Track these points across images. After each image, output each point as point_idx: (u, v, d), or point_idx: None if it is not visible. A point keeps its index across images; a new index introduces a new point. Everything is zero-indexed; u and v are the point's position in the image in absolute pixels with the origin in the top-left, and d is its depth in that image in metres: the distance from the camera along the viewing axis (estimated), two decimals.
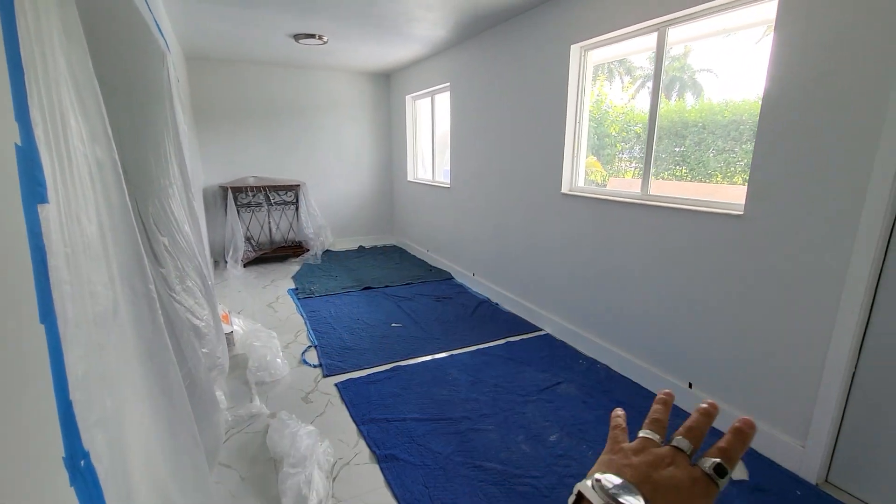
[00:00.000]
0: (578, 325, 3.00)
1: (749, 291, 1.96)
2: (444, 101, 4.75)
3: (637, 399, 2.38)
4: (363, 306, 3.80)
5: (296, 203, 5.44)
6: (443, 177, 5.02)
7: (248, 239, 5.21)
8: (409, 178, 5.60)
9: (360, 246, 6.13)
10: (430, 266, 5.06)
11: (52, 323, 0.63)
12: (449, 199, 4.62)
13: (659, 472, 0.37)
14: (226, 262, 4.83)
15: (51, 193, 0.69)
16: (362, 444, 2.04)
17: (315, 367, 2.76)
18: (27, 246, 0.62)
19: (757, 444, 1.96)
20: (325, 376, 2.64)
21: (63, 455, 0.64)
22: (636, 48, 2.78)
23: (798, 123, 1.74)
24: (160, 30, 2.16)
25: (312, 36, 3.78)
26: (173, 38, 3.65)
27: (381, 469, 1.87)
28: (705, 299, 2.16)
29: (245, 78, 5.07)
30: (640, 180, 2.62)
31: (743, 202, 1.98)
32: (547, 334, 3.23)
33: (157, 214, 1.88)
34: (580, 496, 0.37)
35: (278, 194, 5.33)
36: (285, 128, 5.39)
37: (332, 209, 5.87)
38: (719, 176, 2.65)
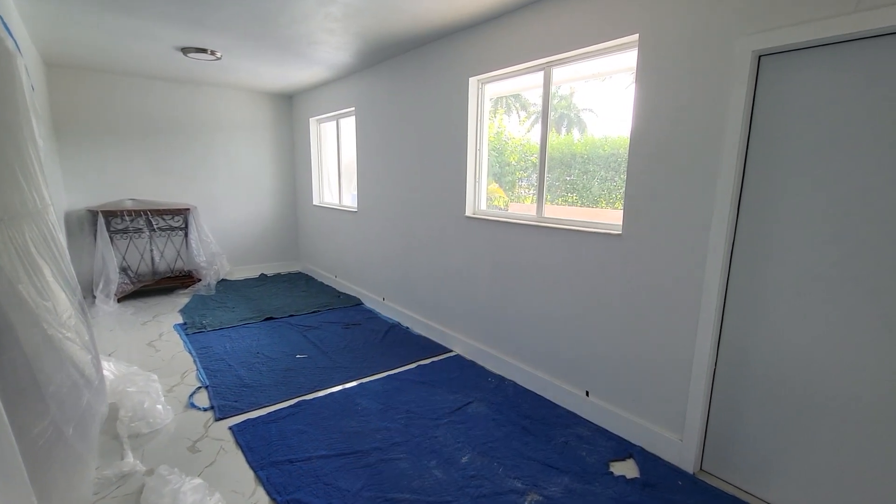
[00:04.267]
0: (486, 344, 3.09)
1: (630, 301, 2.19)
2: (349, 124, 4.71)
3: (542, 411, 2.49)
4: (264, 338, 3.53)
5: (185, 228, 4.94)
6: (350, 201, 4.93)
7: (123, 269, 4.58)
8: (314, 202, 5.41)
9: (262, 274, 5.72)
10: (339, 292, 4.88)
11: None
12: (356, 224, 4.54)
13: None
14: (94, 297, 4.19)
15: None
16: (261, 491, 1.85)
17: (205, 409, 2.47)
18: None
19: (645, 441, 2.16)
20: (218, 419, 2.37)
21: None
22: (529, 84, 3.04)
23: (658, 155, 2.02)
24: (6, 27, 1.86)
25: (204, 51, 3.54)
26: (27, 39, 3.17)
27: None
28: (594, 311, 2.36)
29: (120, 90, 4.55)
30: (536, 205, 2.83)
31: (621, 223, 2.22)
32: (457, 355, 3.27)
33: (36, 240, 1.58)
34: None
35: (163, 219, 4.80)
36: (172, 147, 4.91)
37: (229, 235, 5.43)
38: (603, 202, 2.97)
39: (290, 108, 5.67)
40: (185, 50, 3.53)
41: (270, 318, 4.00)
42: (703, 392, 1.94)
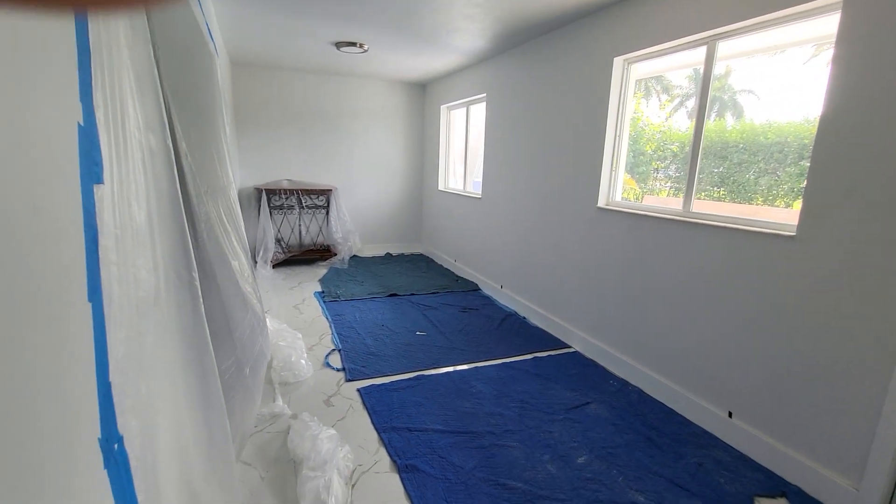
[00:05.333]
0: (609, 345, 2.89)
1: (800, 317, 1.85)
2: (478, 111, 4.75)
3: (671, 425, 2.26)
4: (388, 313, 3.79)
5: (327, 207, 5.53)
6: (474, 187, 5.01)
7: (278, 240, 5.30)
8: (439, 188, 5.61)
9: (388, 253, 6.15)
10: (457, 276, 5.02)
11: (98, 302, 0.62)
12: (479, 210, 4.59)
13: None
14: (255, 262, 4.93)
15: (106, 175, 0.70)
16: (383, 451, 2.00)
17: (338, 370, 2.75)
18: (81, 224, 0.62)
19: (804, 482, 1.82)
20: (348, 381, 2.62)
21: (99, 437, 0.63)
22: (678, 63, 2.71)
23: (860, 144, 1.63)
24: (210, 34, 2.24)
25: (354, 44, 3.86)
26: (221, 43, 3.79)
27: (402, 479, 1.82)
28: (750, 323, 2.04)
29: (284, 84, 5.21)
30: (675, 199, 2.53)
31: (793, 223, 1.87)
32: (576, 352, 3.13)
33: (225, 210, 1.92)
34: None
35: (310, 198, 5.43)
36: (320, 133, 5.51)
37: (361, 215, 5.93)
38: (760, 199, 2.54)
39: (423, 95, 5.92)
40: (339, 44, 3.89)
41: (394, 295, 4.28)
42: None
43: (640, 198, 3.43)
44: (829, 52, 1.77)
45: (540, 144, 3.54)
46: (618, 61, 2.76)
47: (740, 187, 2.65)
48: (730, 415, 2.13)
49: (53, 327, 0.54)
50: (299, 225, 5.47)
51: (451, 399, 2.44)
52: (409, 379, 2.65)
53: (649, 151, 3.49)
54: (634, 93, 2.91)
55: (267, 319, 3.11)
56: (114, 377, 0.67)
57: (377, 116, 5.77)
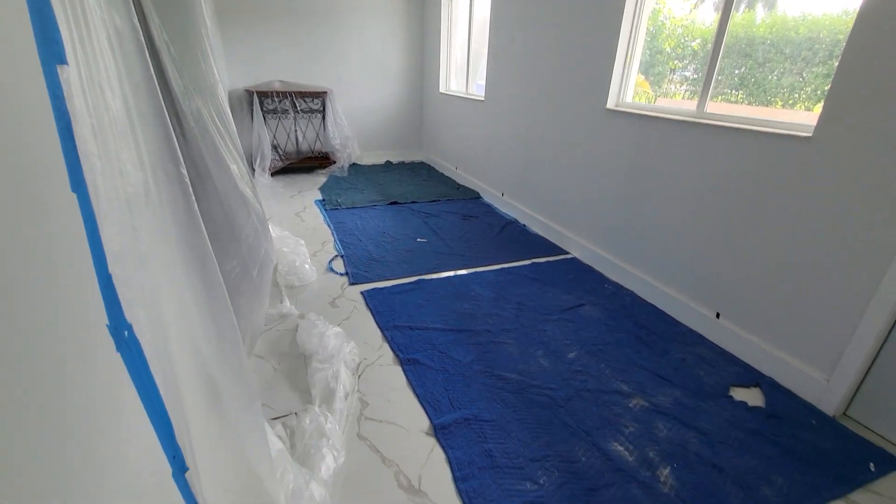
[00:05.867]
0: (607, 251, 2.94)
1: (804, 221, 1.84)
2: (483, 3, 4.31)
3: (661, 325, 2.37)
4: (389, 220, 3.81)
5: (322, 111, 5.28)
6: (476, 90, 4.72)
7: (274, 147, 5.15)
8: (440, 90, 5.29)
9: (388, 161, 6.01)
10: (458, 184, 4.96)
11: (83, 193, 0.61)
12: (482, 114, 4.38)
13: None
14: (253, 169, 4.84)
15: (69, 56, 0.64)
16: (386, 347, 2.13)
17: (341, 275, 2.84)
18: (50, 110, 0.58)
19: (778, 374, 1.96)
20: (351, 284, 2.71)
21: (107, 323, 0.65)
22: None
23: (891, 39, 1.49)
24: None
25: None
26: None
27: (404, 371, 1.97)
28: (752, 226, 2.04)
29: None
30: (689, 102, 2.38)
31: (809, 123, 1.78)
32: (574, 258, 3.19)
33: (218, 112, 1.83)
34: None
35: (305, 101, 5.16)
36: (313, 30, 5.06)
37: (359, 120, 5.68)
38: (780, 102, 2.39)
39: None
40: None
41: (395, 203, 4.26)
42: (876, 334, 1.64)
43: (652, 101, 3.23)
44: None
45: (548, 41, 3.25)
46: None
47: (760, 89, 2.48)
48: (717, 315, 2.23)
49: (41, 222, 0.54)
50: (295, 130, 5.27)
51: (450, 301, 2.55)
52: (410, 283, 2.74)
53: (668, 49, 3.21)
54: None
55: (269, 227, 3.14)
56: (113, 269, 0.68)
57: (374, 11, 5.25)
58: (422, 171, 5.53)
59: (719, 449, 1.61)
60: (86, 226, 0.63)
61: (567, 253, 3.27)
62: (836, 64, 1.67)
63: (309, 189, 4.68)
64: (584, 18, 2.88)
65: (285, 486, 1.20)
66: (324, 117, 5.29)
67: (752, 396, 1.89)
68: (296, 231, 3.46)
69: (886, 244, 1.58)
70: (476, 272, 2.93)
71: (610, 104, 2.79)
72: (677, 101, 3.11)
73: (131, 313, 0.73)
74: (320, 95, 5.17)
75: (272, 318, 2.30)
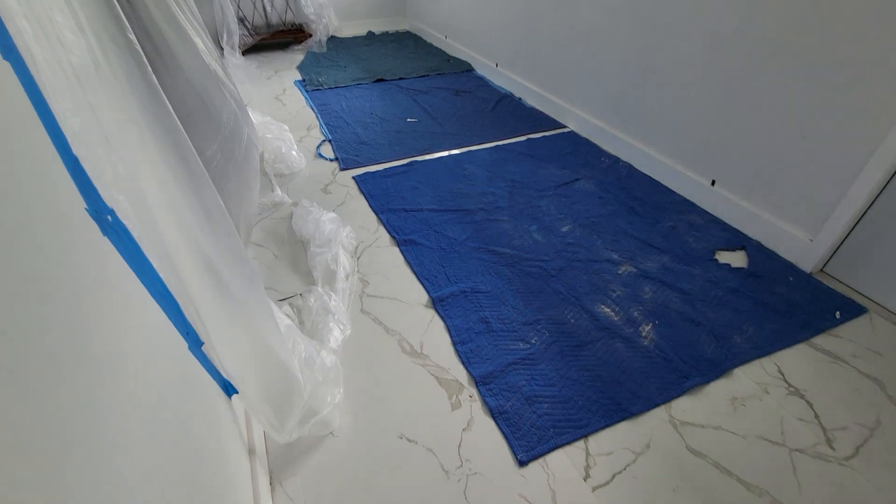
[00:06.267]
0: (605, 122, 2.81)
1: (810, 80, 1.72)
2: None
3: (655, 196, 2.38)
4: (376, 100, 3.58)
5: None
6: None
7: (241, 21, 4.60)
8: None
9: (370, 32, 5.43)
10: (449, 56, 4.55)
11: (18, 60, 0.54)
12: None
13: None
14: (221, 48, 4.39)
15: None
16: (382, 230, 2.16)
17: (331, 160, 2.75)
18: None
19: (766, 237, 2.03)
20: (342, 169, 2.65)
21: (86, 208, 0.64)
22: None
23: None
24: None
25: None
26: None
27: (401, 251, 2.02)
28: (753, 88, 1.92)
29: None
30: None
31: None
32: (571, 131, 3.07)
33: None
34: None
35: None
36: None
37: None
38: None
39: None
40: None
41: (381, 80, 3.96)
42: (867, 195, 1.64)
43: None
44: None
45: None
46: None
47: None
48: (713, 183, 2.22)
49: None
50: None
51: (444, 182, 2.51)
52: (403, 165, 2.67)
53: None
54: None
55: (248, 111, 2.96)
56: (78, 150, 0.64)
57: None
58: (408, 43, 5.03)
59: (699, 306, 1.73)
60: (33, 102, 0.57)
61: (564, 126, 3.13)
62: None
63: (286, 69, 4.30)
64: None
65: (298, 355, 1.31)
66: None
67: (736, 259, 1.98)
68: (278, 116, 3.27)
69: (889, 113, 1.50)
70: (470, 151, 2.84)
71: None
72: None
73: (110, 197, 0.71)
74: None
75: (265, 207, 2.29)
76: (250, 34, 4.64)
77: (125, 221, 0.73)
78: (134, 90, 0.76)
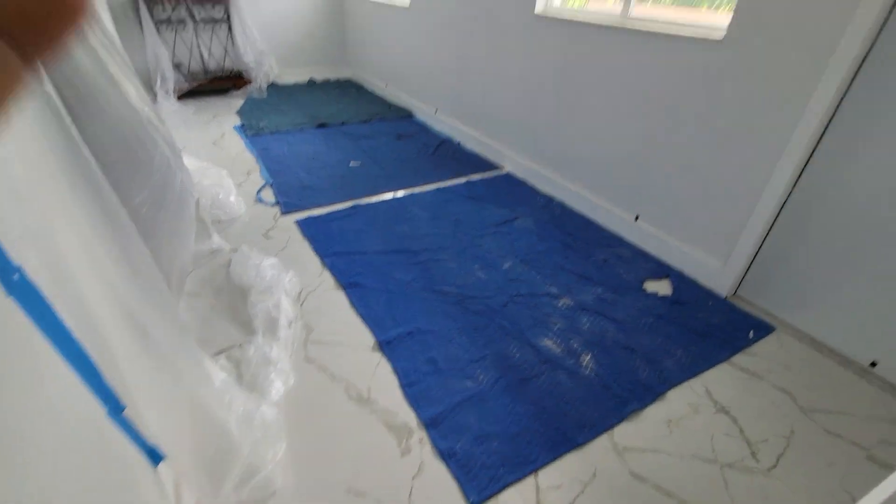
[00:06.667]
0: (538, 163, 3.01)
1: (713, 123, 1.97)
2: None
3: (587, 231, 2.54)
4: (319, 144, 3.60)
5: (227, 21, 4.64)
6: None
7: (177, 66, 4.53)
8: None
9: (311, 79, 5.52)
10: (390, 103, 4.71)
11: None
12: (408, 22, 4.06)
13: None
14: (155, 94, 4.27)
15: None
16: (327, 273, 2.13)
17: (272, 205, 2.71)
18: None
19: (686, 265, 2.21)
20: (284, 213, 2.61)
21: None
22: None
23: None
24: None
25: None
26: None
27: (347, 294, 2.00)
28: (668, 132, 2.16)
29: None
30: (621, 4, 2.34)
31: (725, 25, 1.83)
32: (508, 173, 3.24)
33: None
34: None
35: (203, 8, 4.48)
36: None
37: (273, 32, 5.08)
38: (706, 4, 2.42)
39: None
40: None
41: (323, 125, 4.01)
42: (764, 223, 1.86)
43: (585, 3, 3.13)
44: None
45: None
46: None
47: None
48: (636, 218, 2.42)
49: None
50: (198, 45, 4.63)
51: (388, 224, 2.54)
52: (347, 209, 2.68)
53: None
54: None
55: (184, 157, 2.87)
56: None
57: None
58: (350, 90, 5.16)
59: (632, 334, 1.84)
60: None
61: (501, 168, 3.31)
62: None
63: (225, 113, 4.25)
64: None
65: (234, 412, 1.23)
66: (230, 28, 4.66)
67: (662, 287, 2.13)
68: (216, 161, 3.19)
69: (776, 145, 1.75)
70: (413, 193, 2.91)
71: (538, 9, 2.68)
72: (610, 4, 3.04)
73: (19, 254, 0.66)
74: (221, 1, 4.51)
75: (202, 255, 2.20)
76: (187, 80, 4.57)
77: (35, 277, 0.68)
78: (50, 141, 0.74)
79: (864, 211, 1.61)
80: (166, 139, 1.95)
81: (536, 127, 2.94)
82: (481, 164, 3.37)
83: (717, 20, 2.17)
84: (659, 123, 2.17)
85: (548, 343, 1.77)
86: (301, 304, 1.94)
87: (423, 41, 3.92)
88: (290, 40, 5.25)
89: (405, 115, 4.34)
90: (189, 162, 2.86)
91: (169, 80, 4.29)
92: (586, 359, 1.71)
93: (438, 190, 2.97)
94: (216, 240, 2.27)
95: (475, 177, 3.17)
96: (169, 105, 4.24)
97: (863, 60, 1.51)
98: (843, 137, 1.61)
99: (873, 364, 1.70)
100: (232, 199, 2.59)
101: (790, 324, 1.92)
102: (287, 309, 1.83)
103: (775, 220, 1.87)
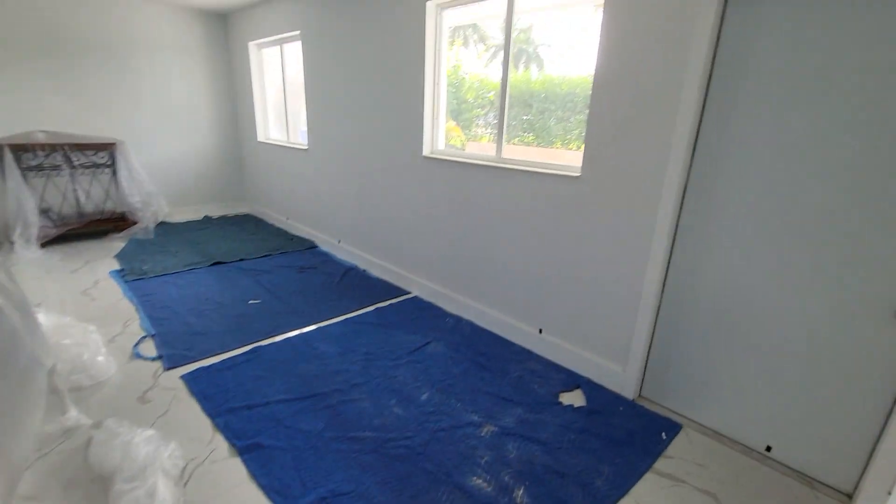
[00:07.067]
0: (443, 286, 3.11)
1: (584, 242, 2.24)
2: (294, 50, 4.29)
3: (498, 349, 2.59)
4: (213, 284, 3.37)
5: (112, 165, 4.47)
6: (301, 137, 4.62)
7: (44, 211, 4.14)
8: (259, 139, 5.02)
9: (206, 216, 5.37)
10: (291, 235, 4.70)
11: None
12: (308, 163, 4.28)
13: None
14: (11, 242, 3.78)
15: None
16: (219, 438, 1.84)
17: (153, 359, 2.37)
18: None
19: (592, 373, 2.32)
20: (168, 369, 2.29)
21: None
22: (489, 12, 2.83)
23: (620, 96, 1.98)
24: None
25: None
26: None
27: (244, 461, 1.71)
28: (550, 252, 2.41)
29: None
30: (495, 145, 2.75)
31: (580, 165, 2.21)
32: (415, 297, 3.29)
33: None
34: None
35: (84, 155, 4.30)
36: (87, 71, 4.29)
37: (166, 173, 4.99)
38: (559, 143, 2.94)
39: (225, 28, 5.05)
40: None
41: (219, 263, 3.81)
42: (648, 326, 2.07)
43: (464, 144, 3.61)
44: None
45: (363, 92, 3.39)
46: (430, 6, 2.75)
47: (544, 132, 3.00)
48: (540, 331, 2.54)
49: None
50: (74, 189, 4.33)
51: (294, 365, 2.35)
52: (245, 353, 2.45)
53: (470, 99, 3.66)
54: (453, 41, 2.96)
55: (39, 315, 2.46)
56: None
57: (165, 51, 4.74)
58: (248, 225, 5.09)
59: (558, 455, 1.80)
60: None
61: (408, 293, 3.35)
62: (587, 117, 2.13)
63: (100, 258, 3.86)
64: (393, 71, 3.10)
65: None
66: (115, 172, 4.48)
67: (576, 398, 2.18)
68: (83, 315, 2.79)
69: (640, 257, 2.04)
70: (319, 327, 2.78)
71: (426, 152, 3.02)
72: (484, 144, 3.54)
73: None
74: (106, 148, 4.38)
75: (50, 439, 1.78)
76: (55, 224, 4.15)
77: None
78: None
79: (722, 298, 1.88)
80: (15, 301, 1.68)
81: (437, 252, 3.11)
82: (389, 289, 3.39)
83: (568, 157, 2.62)
84: (543, 244, 2.43)
85: (477, 482, 1.65)
86: (185, 485, 1.61)
87: (323, 178, 4.12)
88: (183, 180, 5.18)
89: (308, 247, 4.34)
90: (46, 319, 2.47)
91: (32, 226, 3.86)
92: (519, 494, 1.61)
93: (347, 321, 2.88)
94: (73, 415, 1.88)
95: (383, 303, 3.16)
96: (28, 254, 3.75)
97: (685, 189, 1.90)
98: (689, 240, 1.94)
99: (769, 448, 1.84)
100: (100, 358, 2.23)
101: (692, 419, 2.05)
102: (164, 495, 1.50)
103: (656, 321, 2.09)
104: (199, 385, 2.15)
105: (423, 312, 3.04)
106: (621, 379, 2.20)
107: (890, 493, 1.54)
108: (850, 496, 1.67)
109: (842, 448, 1.67)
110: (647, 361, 2.15)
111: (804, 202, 1.61)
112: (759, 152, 1.69)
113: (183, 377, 2.21)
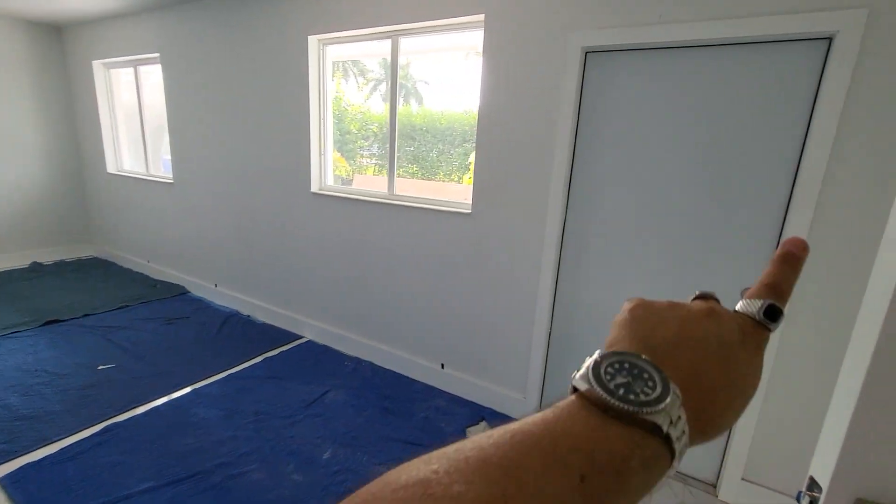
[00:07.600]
0: (339, 327, 2.95)
1: (479, 277, 2.32)
2: (153, 73, 3.82)
3: (401, 389, 2.51)
4: (45, 350, 2.74)
5: None
6: (164, 168, 4.08)
7: None
8: (109, 170, 4.32)
9: (35, 262, 4.40)
10: (155, 280, 4.08)
11: None
12: (175, 198, 3.79)
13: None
14: None
15: None
16: None
17: None
18: None
19: (495, 403, 2.36)
20: None
21: None
22: (373, 51, 2.85)
23: (503, 137, 2.12)
24: None
25: None
26: None
27: None
28: (446, 287, 2.44)
29: None
30: (382, 177, 2.73)
31: (471, 202, 2.30)
32: (309, 341, 3.06)
33: None
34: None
35: None
36: None
37: None
38: (442, 174, 3.05)
39: (61, 44, 4.32)
40: None
41: (54, 322, 3.12)
42: (542, 353, 2.19)
43: (351, 175, 3.53)
44: (477, 59, 2.19)
45: (242, 123, 3.14)
46: (312, 40, 2.68)
47: (427, 164, 3.07)
48: (442, 366, 2.53)
49: None
50: None
51: (164, 441, 1.98)
52: (95, 435, 2.01)
53: (354, 130, 3.62)
54: (335, 73, 2.91)
55: None
56: None
57: None
58: (95, 272, 4.30)
59: None
60: None
61: (301, 337, 3.11)
62: (471, 147, 2.23)
63: None
64: (276, 103, 2.93)
65: None
66: None
67: (481, 431, 2.20)
68: None
69: (531, 288, 2.17)
70: (196, 389, 2.41)
71: (314, 188, 2.88)
72: (370, 176, 3.50)
73: None
74: None
75: None
76: None
77: None
78: None
79: (599, 319, 2.07)
80: None
81: (330, 292, 2.95)
82: (278, 336, 3.11)
83: (452, 190, 2.71)
84: (440, 279, 2.45)
85: None
86: None
87: (194, 215, 3.67)
88: (2, 219, 4.20)
89: (177, 294, 3.79)
90: None
91: None
92: None
93: (230, 377, 2.55)
94: None
95: (273, 352, 2.87)
96: None
97: (564, 225, 2.08)
98: (570, 270, 2.11)
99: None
100: None
101: None
102: None
103: (548, 348, 2.22)
104: (26, 489, 1.69)
105: (318, 358, 2.83)
106: (523, 406, 2.28)
107: (742, 479, 1.82)
108: (714, 486, 1.92)
109: (706, 448, 1.92)
110: (542, 387, 2.27)
111: (651, 228, 1.88)
112: (620, 193, 1.93)
113: (1, 480, 1.72)
